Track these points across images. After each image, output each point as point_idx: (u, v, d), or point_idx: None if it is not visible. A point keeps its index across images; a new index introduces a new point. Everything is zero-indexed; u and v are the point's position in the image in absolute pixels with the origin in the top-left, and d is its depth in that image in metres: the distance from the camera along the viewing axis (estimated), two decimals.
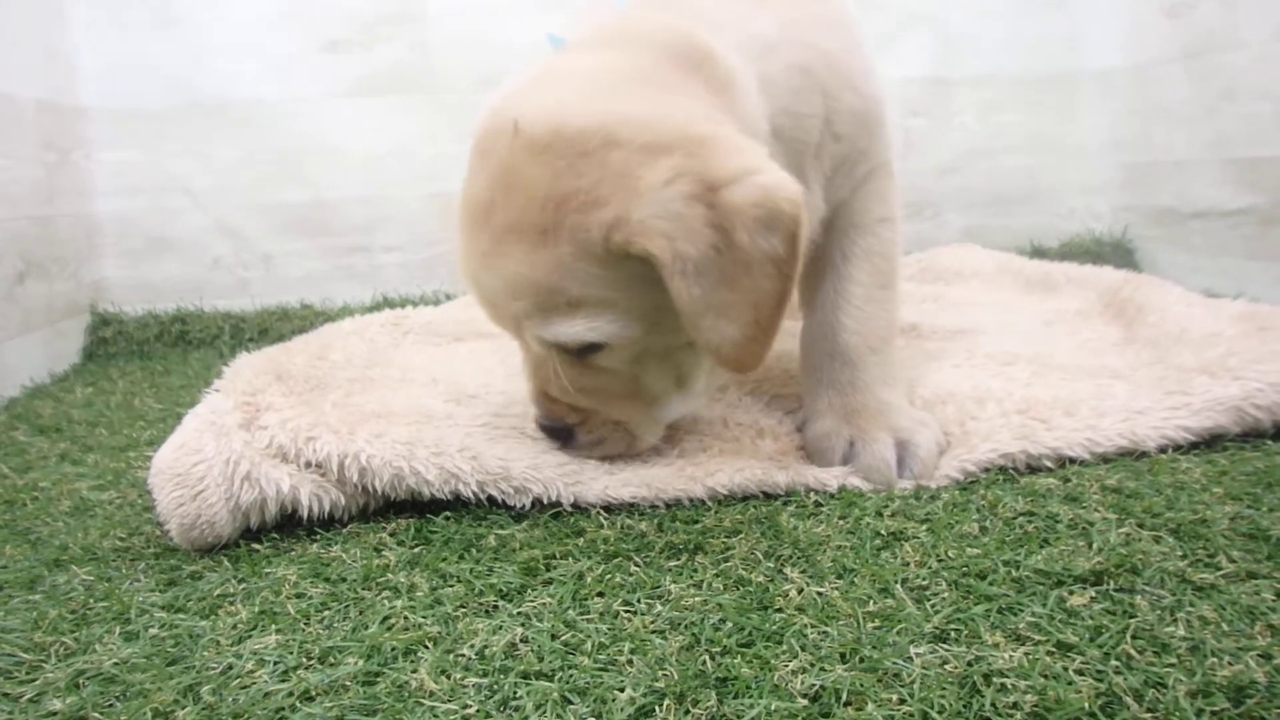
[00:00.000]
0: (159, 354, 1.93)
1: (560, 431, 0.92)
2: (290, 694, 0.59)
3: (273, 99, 2.04)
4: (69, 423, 1.37)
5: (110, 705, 0.59)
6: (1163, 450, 1.02)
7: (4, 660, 0.66)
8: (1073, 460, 1.01)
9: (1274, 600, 0.68)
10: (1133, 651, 0.61)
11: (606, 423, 0.91)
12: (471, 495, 0.88)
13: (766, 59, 0.96)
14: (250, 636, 0.67)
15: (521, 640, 0.65)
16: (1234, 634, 0.64)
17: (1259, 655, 0.60)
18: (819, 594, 0.70)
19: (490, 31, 2.09)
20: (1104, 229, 2.40)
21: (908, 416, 1.01)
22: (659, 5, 1.00)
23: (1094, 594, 0.70)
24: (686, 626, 0.66)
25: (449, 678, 0.60)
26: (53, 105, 1.84)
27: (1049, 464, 0.99)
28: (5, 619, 0.72)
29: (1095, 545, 0.78)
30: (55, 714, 0.58)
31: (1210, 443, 1.04)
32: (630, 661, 0.61)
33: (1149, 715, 0.54)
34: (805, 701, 0.57)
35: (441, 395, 1.13)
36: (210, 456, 0.82)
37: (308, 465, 0.85)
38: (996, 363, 1.27)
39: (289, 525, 0.88)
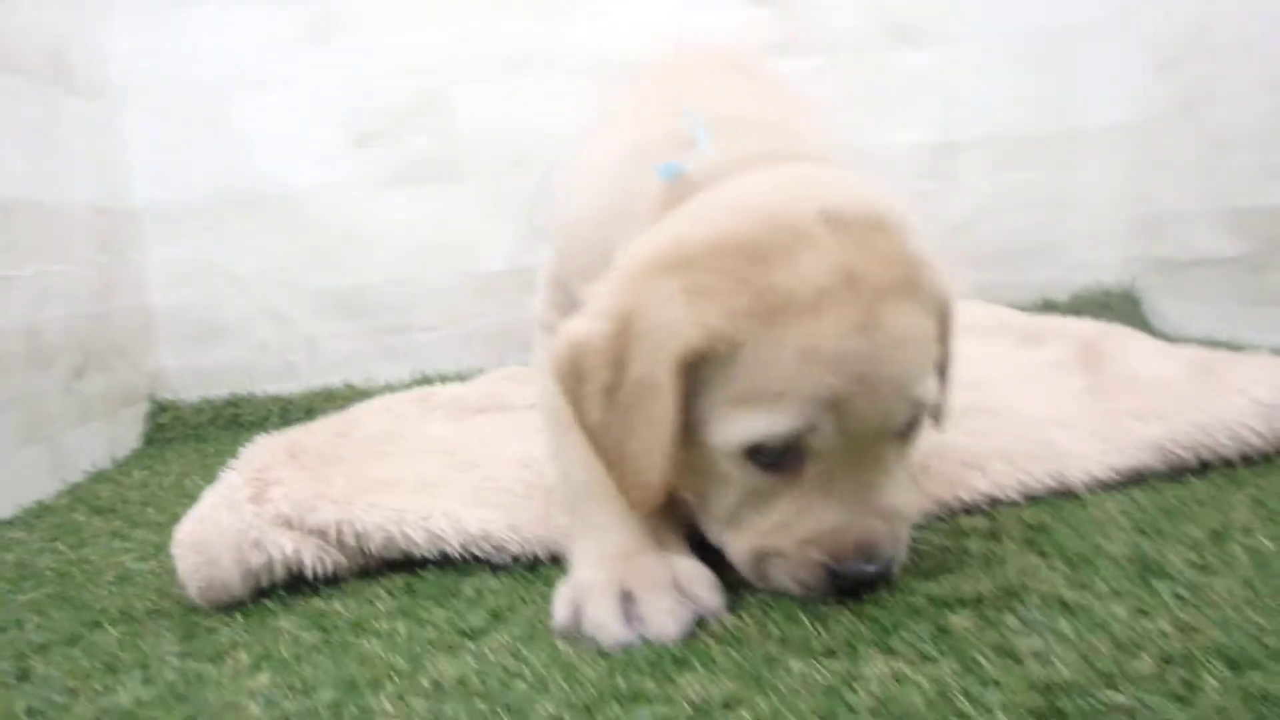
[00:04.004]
0: (213, 437, 2.10)
1: (887, 570, 0.82)
2: (271, 719, 0.71)
3: (310, 190, 2.23)
4: (124, 503, 1.54)
5: None
6: (1091, 490, 1.10)
7: (40, 702, 0.80)
8: (1014, 502, 1.09)
9: (1125, 615, 0.76)
10: (984, 660, 0.70)
11: (908, 523, 0.86)
12: (456, 554, 1.01)
13: None
14: (249, 676, 0.80)
15: (474, 672, 0.76)
16: (1080, 644, 0.71)
17: (1081, 658, 0.69)
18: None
19: (510, 121, 2.25)
20: (1113, 280, 2.44)
21: None
22: (762, 128, 1.03)
23: (972, 614, 0.78)
24: (613, 657, 0.77)
25: (405, 702, 0.72)
26: (107, 209, 2.05)
27: (985, 507, 1.08)
28: (46, 669, 0.87)
29: (996, 574, 0.86)
30: None
31: (1139, 481, 1.12)
32: (558, 683, 0.72)
33: (968, 705, 0.64)
34: (690, 710, 0.67)
35: (447, 464, 1.26)
36: (224, 527, 0.96)
37: (310, 531, 0.99)
38: (963, 414, 1.35)
39: (298, 584, 1.01)
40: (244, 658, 0.84)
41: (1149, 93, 2.32)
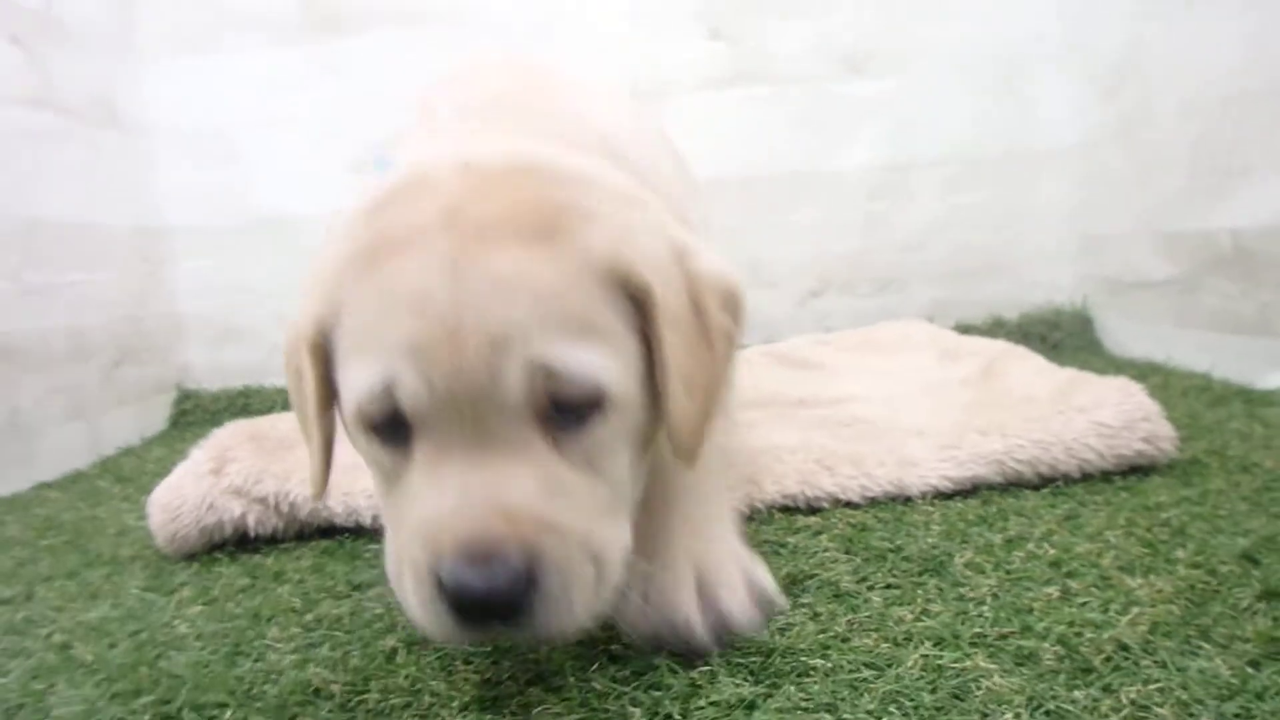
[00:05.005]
0: (227, 422, 2.38)
1: (511, 585, 0.61)
2: (188, 635, 0.95)
3: (310, 212, 2.49)
4: (142, 474, 1.82)
5: (86, 641, 0.97)
6: (924, 496, 1.23)
7: (36, 615, 1.07)
8: (852, 505, 1.26)
9: (880, 604, 0.89)
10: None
11: (580, 548, 0.66)
12: (368, 525, 1.23)
13: (618, 161, 0.90)
14: (187, 606, 1.04)
15: (348, 614, 0.98)
16: (825, 622, 0.86)
17: (820, 631, 0.84)
18: None
19: None
20: (1065, 299, 2.52)
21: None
22: (510, 114, 0.92)
23: None
24: None
25: (288, 631, 0.95)
26: (144, 229, 2.40)
27: (826, 505, 1.25)
28: (46, 593, 1.14)
29: (796, 564, 1.03)
30: (56, 643, 0.97)
31: (975, 491, 1.24)
32: (405, 625, 0.93)
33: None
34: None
35: None
36: (187, 494, 1.21)
37: (254, 500, 1.22)
38: (837, 424, 1.50)
39: (244, 542, 1.25)
40: (188, 593, 1.08)
41: (1092, 117, 2.40)
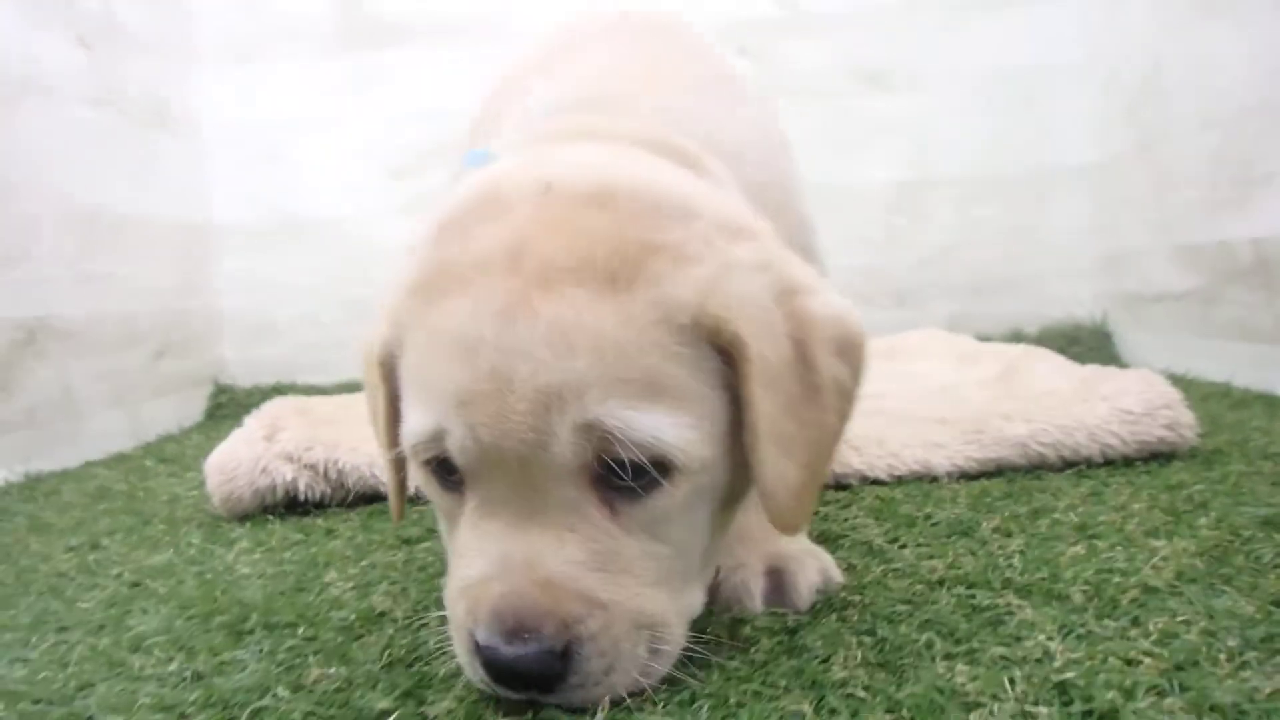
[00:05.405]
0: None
1: (542, 660, 0.59)
2: (251, 575, 1.00)
3: (347, 217, 2.64)
4: (182, 456, 1.88)
5: (155, 578, 1.02)
6: (949, 476, 1.27)
7: (105, 560, 1.12)
8: (879, 482, 1.29)
9: (911, 558, 0.93)
10: None
11: (629, 625, 0.62)
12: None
13: (736, 168, 0.88)
14: (245, 554, 1.09)
15: (401, 561, 1.03)
16: (859, 572, 0.90)
17: (856, 578, 0.88)
18: None
19: None
20: (1085, 314, 2.54)
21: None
22: (614, 108, 0.87)
23: None
24: None
25: (344, 573, 0.99)
26: (190, 226, 2.49)
27: (854, 482, 1.29)
28: (111, 543, 1.20)
29: (827, 526, 1.08)
30: (127, 580, 1.03)
31: (999, 473, 1.28)
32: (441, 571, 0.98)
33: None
34: None
35: None
36: (242, 457, 1.26)
37: (305, 466, 1.28)
38: (861, 414, 1.54)
39: (293, 506, 1.31)
40: (245, 544, 1.14)
41: (1111, 133, 2.44)
